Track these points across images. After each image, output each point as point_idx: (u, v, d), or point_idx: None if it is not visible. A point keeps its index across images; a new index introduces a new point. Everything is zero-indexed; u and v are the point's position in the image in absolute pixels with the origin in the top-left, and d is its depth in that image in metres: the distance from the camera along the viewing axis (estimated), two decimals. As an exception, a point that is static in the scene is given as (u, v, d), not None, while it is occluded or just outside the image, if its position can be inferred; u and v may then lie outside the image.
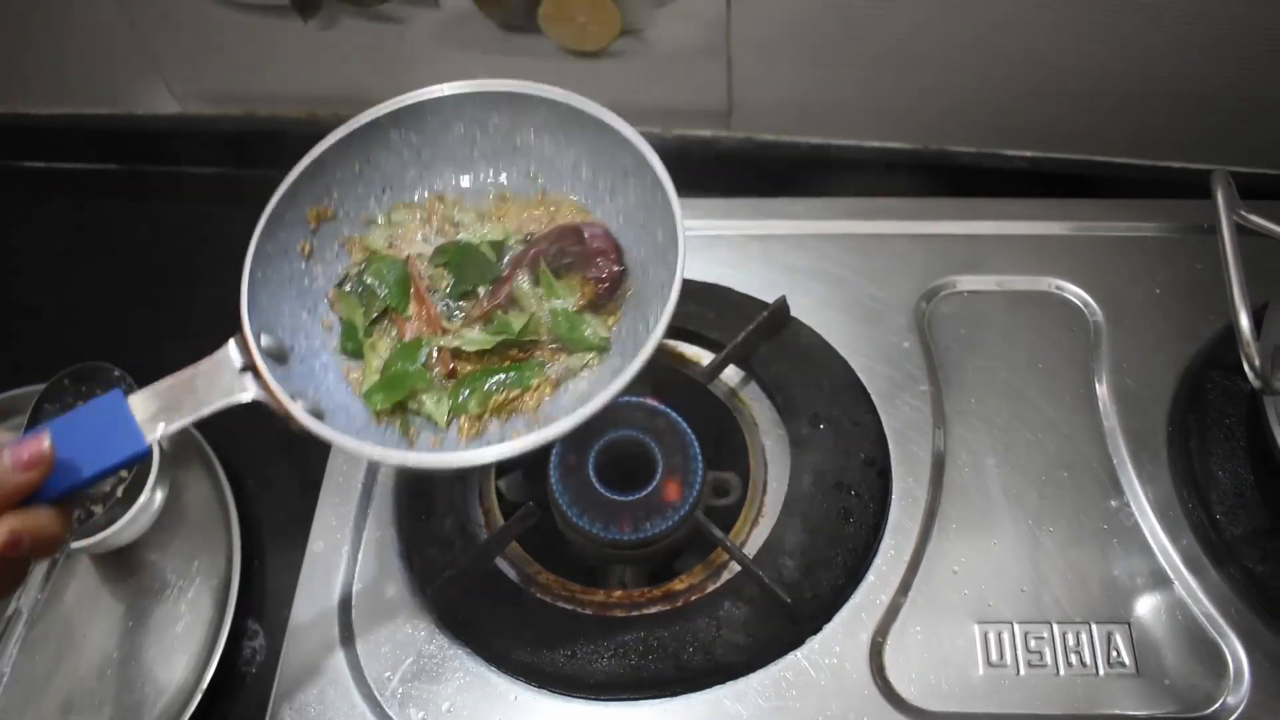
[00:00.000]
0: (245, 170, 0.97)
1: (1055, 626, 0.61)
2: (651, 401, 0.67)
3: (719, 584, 0.64)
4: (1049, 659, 0.60)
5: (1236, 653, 0.59)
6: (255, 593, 0.72)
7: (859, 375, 0.71)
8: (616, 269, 0.58)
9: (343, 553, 0.67)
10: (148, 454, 0.48)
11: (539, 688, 0.61)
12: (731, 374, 0.73)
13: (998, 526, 0.65)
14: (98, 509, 0.68)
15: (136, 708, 0.67)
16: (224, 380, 0.50)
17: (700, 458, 0.65)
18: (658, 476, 0.64)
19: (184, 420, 0.48)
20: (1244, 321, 0.59)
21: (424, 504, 0.68)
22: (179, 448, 0.76)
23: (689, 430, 0.66)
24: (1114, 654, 0.60)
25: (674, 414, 0.67)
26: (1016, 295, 0.75)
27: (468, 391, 0.56)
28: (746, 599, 0.62)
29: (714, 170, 0.90)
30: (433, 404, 0.55)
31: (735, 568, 0.64)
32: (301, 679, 0.63)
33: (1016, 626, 0.61)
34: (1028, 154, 0.86)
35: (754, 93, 0.84)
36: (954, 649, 0.61)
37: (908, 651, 0.61)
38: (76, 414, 0.48)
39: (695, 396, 0.72)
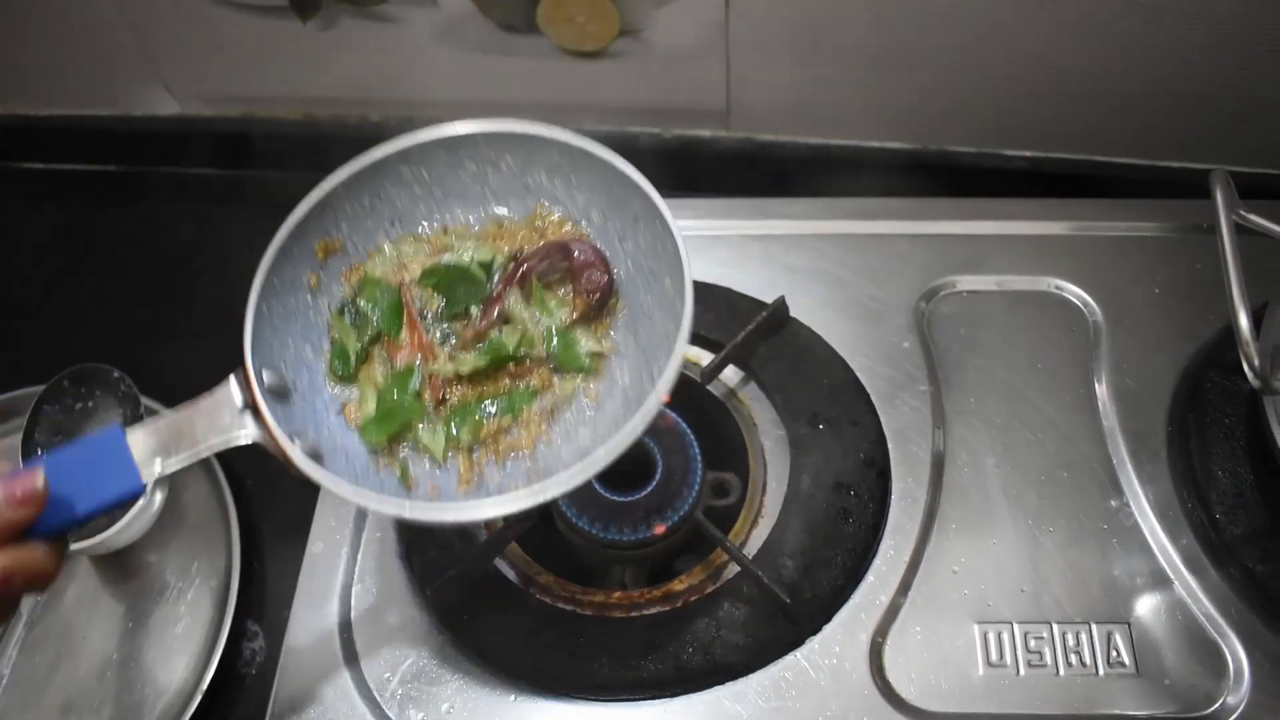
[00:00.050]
0: (244, 171, 0.97)
1: (1055, 626, 0.61)
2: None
3: (719, 584, 0.64)
4: (1049, 659, 0.60)
5: (1236, 653, 0.59)
6: (255, 594, 0.72)
7: (858, 375, 0.71)
8: (605, 279, 0.58)
9: (342, 554, 0.67)
10: (142, 492, 0.47)
11: (538, 688, 0.61)
12: (731, 374, 0.73)
13: (997, 526, 0.65)
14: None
15: (136, 709, 0.67)
16: (224, 419, 0.50)
17: (700, 458, 0.65)
18: (657, 477, 0.64)
19: (182, 460, 0.48)
20: (1243, 321, 0.59)
21: (423, 505, 0.68)
22: (178, 449, 0.76)
23: (688, 430, 0.66)
24: (1114, 654, 0.60)
25: (673, 414, 0.67)
26: (1016, 295, 0.75)
27: (458, 420, 0.55)
28: (746, 599, 0.62)
29: (713, 170, 0.90)
30: (428, 436, 0.55)
31: (735, 568, 0.64)
32: (301, 680, 0.63)
33: (1016, 626, 0.61)
34: (1027, 154, 0.86)
35: (753, 93, 0.84)
36: (954, 649, 0.61)
37: (907, 652, 0.61)
38: (74, 449, 0.48)
39: (694, 397, 0.72)
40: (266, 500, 0.77)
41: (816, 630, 0.62)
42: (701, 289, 0.75)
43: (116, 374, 0.71)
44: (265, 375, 0.53)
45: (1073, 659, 0.60)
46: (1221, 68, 0.75)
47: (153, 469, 0.47)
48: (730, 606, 0.62)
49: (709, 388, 0.72)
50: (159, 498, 0.72)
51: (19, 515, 0.43)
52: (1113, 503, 0.65)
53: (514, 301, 0.58)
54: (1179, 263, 0.75)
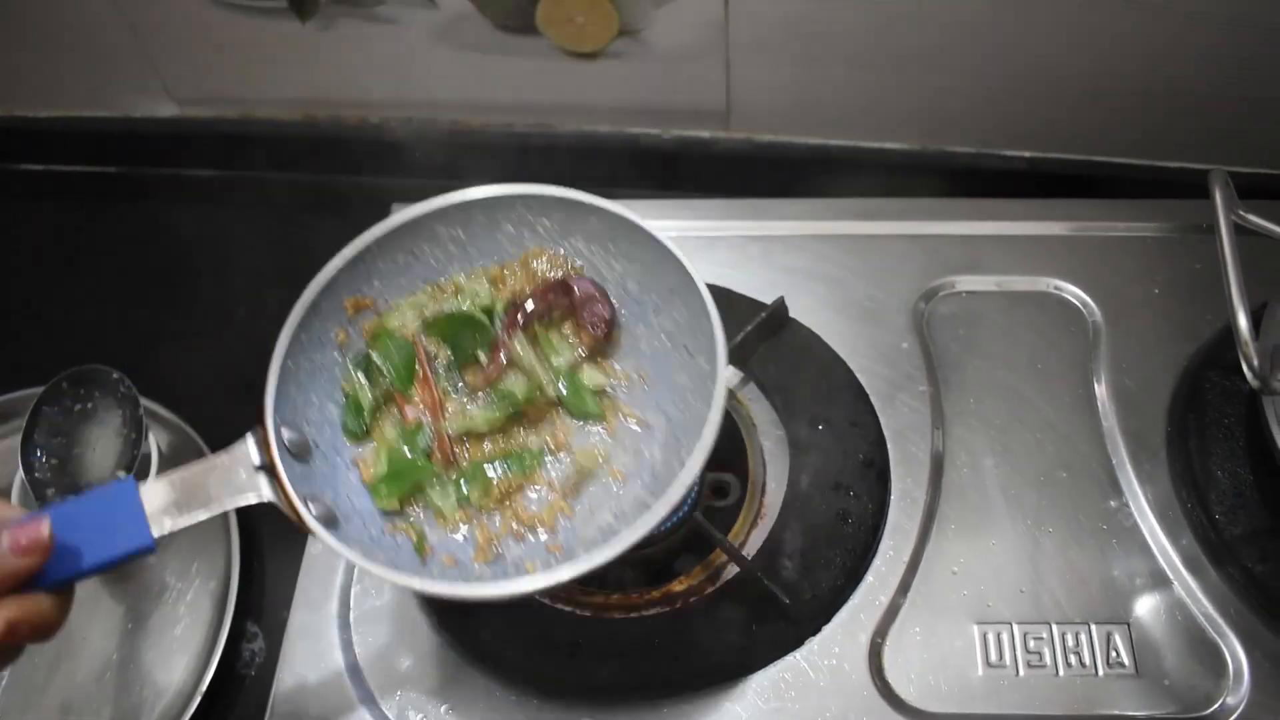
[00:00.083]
0: (243, 172, 0.97)
1: (1054, 627, 0.61)
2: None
3: (718, 585, 0.64)
4: (1048, 659, 0.60)
5: (1236, 653, 0.59)
6: (254, 595, 0.72)
7: (857, 376, 0.71)
8: (608, 311, 0.58)
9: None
10: (153, 550, 0.47)
11: (538, 689, 0.61)
12: (730, 375, 0.73)
13: (997, 527, 0.65)
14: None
15: (135, 710, 0.67)
16: (239, 478, 0.50)
17: (699, 459, 0.65)
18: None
19: (194, 517, 0.48)
20: (1242, 321, 0.59)
21: (423, 506, 0.68)
22: (178, 450, 0.76)
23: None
24: (1113, 654, 0.60)
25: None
26: (1015, 295, 0.75)
27: (468, 479, 0.55)
28: (745, 600, 0.62)
29: (712, 171, 0.90)
30: (438, 496, 0.55)
31: (734, 569, 0.64)
32: (300, 681, 0.63)
33: (1015, 627, 0.61)
34: (1026, 154, 0.86)
35: (752, 93, 0.84)
36: (953, 650, 0.61)
37: (907, 652, 0.61)
38: (85, 499, 0.47)
39: (694, 397, 0.72)
40: (266, 501, 0.77)
41: (816, 631, 0.62)
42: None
43: (116, 375, 0.71)
44: (285, 433, 0.52)
45: (1072, 659, 0.60)
46: (1221, 68, 0.75)
47: (163, 526, 0.47)
48: (729, 607, 0.62)
49: (708, 388, 0.72)
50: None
51: (23, 564, 0.43)
52: (1112, 503, 0.65)
53: (519, 346, 0.58)
54: (1178, 263, 0.75)
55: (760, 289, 0.75)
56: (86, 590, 0.72)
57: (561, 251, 0.60)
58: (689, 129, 0.89)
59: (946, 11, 0.75)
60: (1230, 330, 0.59)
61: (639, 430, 0.57)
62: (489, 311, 0.59)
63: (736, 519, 0.67)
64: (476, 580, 0.53)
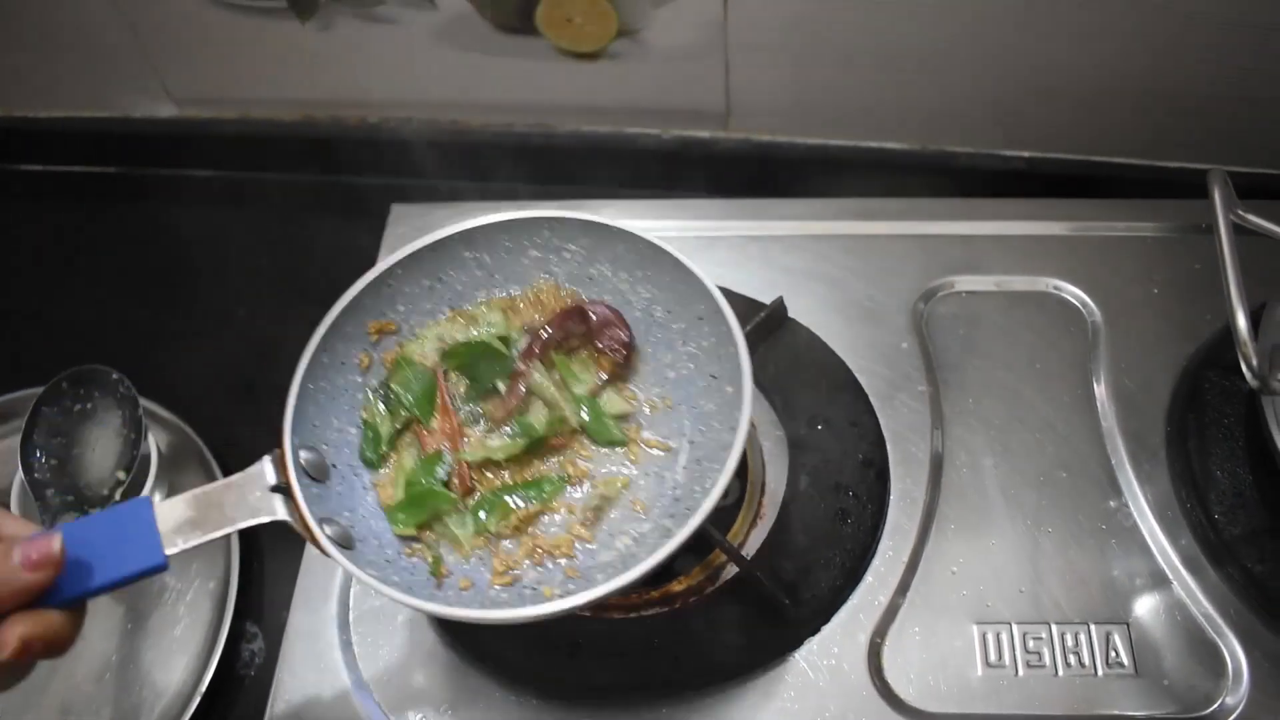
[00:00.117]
0: (243, 173, 0.97)
1: (1054, 627, 0.61)
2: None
3: (717, 585, 0.64)
4: (1047, 659, 0.60)
5: (1235, 653, 0.59)
6: (254, 595, 0.72)
7: (857, 376, 0.71)
8: (626, 336, 0.58)
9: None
10: (165, 569, 0.47)
11: (537, 689, 0.61)
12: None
13: (996, 527, 0.65)
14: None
15: (135, 710, 0.67)
16: (253, 498, 0.50)
17: (698, 459, 0.65)
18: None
19: (207, 536, 0.48)
20: (1241, 321, 0.59)
21: (422, 506, 0.67)
22: (177, 451, 0.76)
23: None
24: (1113, 654, 0.60)
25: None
26: (1015, 295, 0.75)
27: (487, 509, 0.55)
28: (745, 600, 0.62)
29: (711, 171, 0.90)
30: (457, 527, 0.55)
31: (733, 569, 0.64)
32: (300, 682, 0.63)
33: (1015, 627, 0.61)
34: (1026, 154, 0.86)
35: (751, 93, 0.84)
36: (952, 650, 0.61)
37: (906, 652, 0.61)
38: (99, 517, 0.47)
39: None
40: (265, 502, 0.77)
41: (815, 631, 0.61)
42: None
43: (115, 375, 0.71)
44: (303, 454, 0.53)
45: (1071, 659, 0.60)
46: (1221, 68, 0.75)
47: (176, 545, 0.47)
48: (729, 607, 0.62)
49: (707, 388, 0.72)
50: (158, 498, 0.71)
51: (34, 579, 0.43)
52: (1111, 503, 0.65)
53: (538, 377, 0.58)
54: (1178, 263, 0.75)
55: (759, 289, 0.75)
56: (86, 590, 0.72)
57: (570, 288, 0.61)
58: (688, 129, 0.89)
59: (946, 12, 0.75)
60: (1230, 330, 0.59)
61: (661, 455, 0.57)
62: (506, 340, 0.59)
63: (736, 519, 0.67)
64: (493, 605, 0.52)
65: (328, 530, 0.50)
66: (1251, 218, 0.64)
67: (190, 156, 0.97)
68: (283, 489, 0.51)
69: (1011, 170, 0.86)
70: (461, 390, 0.59)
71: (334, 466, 0.55)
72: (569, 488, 0.57)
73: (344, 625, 0.65)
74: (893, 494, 0.66)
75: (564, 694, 0.61)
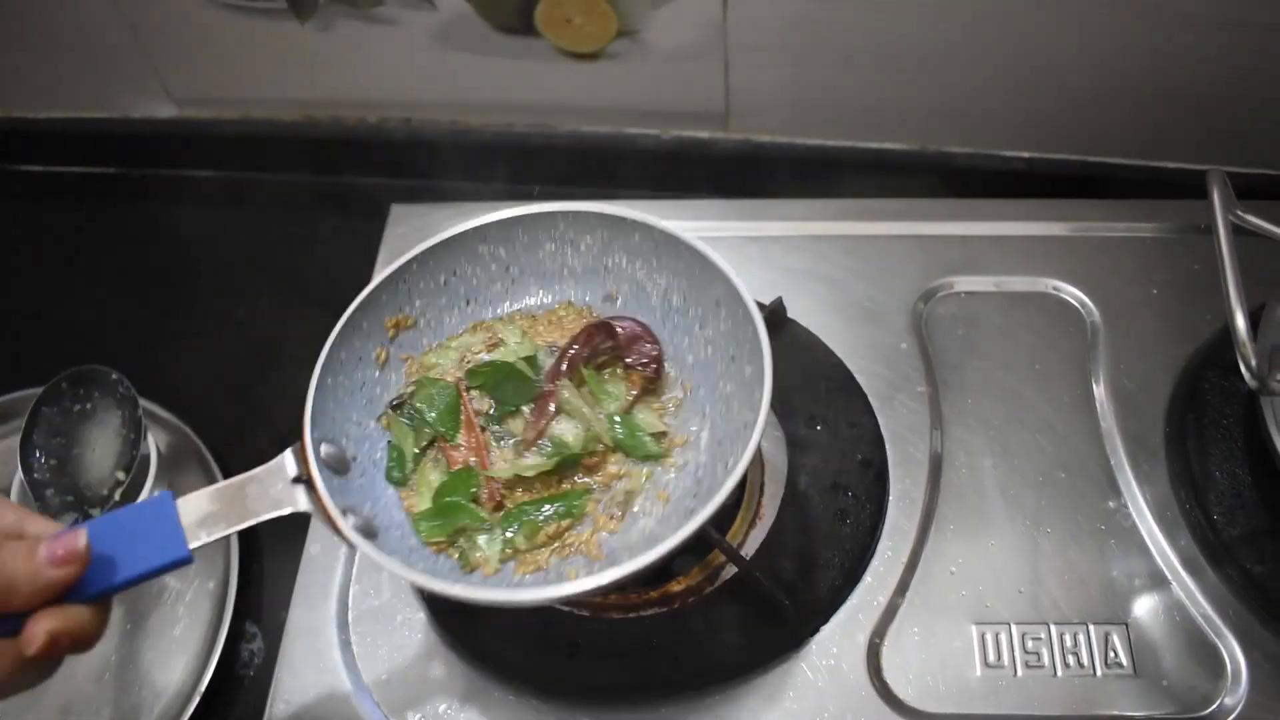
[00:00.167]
0: (242, 173, 0.97)
1: (1053, 627, 0.61)
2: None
3: (716, 585, 0.64)
4: (1046, 660, 0.60)
5: (1234, 653, 0.59)
6: (253, 595, 0.72)
7: (856, 376, 0.71)
8: (656, 350, 0.58)
9: (340, 555, 0.67)
10: (190, 562, 0.47)
11: (536, 689, 0.61)
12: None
13: (995, 527, 0.65)
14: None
15: (134, 710, 0.67)
16: (275, 491, 0.50)
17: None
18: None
19: (230, 529, 0.48)
20: (1240, 321, 0.59)
21: (421, 506, 0.68)
22: (176, 451, 0.76)
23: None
24: (1111, 655, 0.60)
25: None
26: (1014, 296, 0.75)
27: (516, 526, 0.55)
28: (744, 600, 0.62)
29: (711, 172, 0.90)
30: (486, 545, 0.55)
31: (732, 569, 0.64)
32: (299, 681, 0.63)
33: (1014, 627, 0.61)
34: (1025, 155, 0.86)
35: (751, 94, 0.85)
36: (951, 650, 0.61)
37: (905, 653, 0.61)
38: (123, 513, 0.48)
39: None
40: (265, 502, 0.77)
41: (814, 631, 0.62)
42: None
43: (115, 376, 0.71)
44: (324, 448, 0.53)
45: (1070, 660, 0.60)
46: (1220, 68, 0.75)
47: (199, 538, 0.47)
48: (728, 608, 0.62)
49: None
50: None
51: (60, 575, 0.43)
52: (1110, 504, 0.65)
53: (568, 394, 0.57)
54: (1177, 263, 0.75)
55: (759, 289, 0.74)
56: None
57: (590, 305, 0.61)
58: (688, 130, 0.89)
59: (946, 12, 0.75)
60: (1229, 331, 0.59)
61: (684, 444, 0.58)
62: (531, 360, 0.59)
63: (735, 519, 0.67)
64: (519, 586, 0.53)
65: (351, 520, 0.51)
66: (1250, 218, 0.64)
67: (190, 156, 0.97)
68: (304, 481, 0.51)
69: (1011, 170, 0.86)
70: (486, 408, 0.59)
71: (354, 460, 0.56)
72: (597, 492, 0.57)
73: (343, 625, 0.65)
74: (892, 494, 0.66)
75: (563, 694, 0.61)
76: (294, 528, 0.69)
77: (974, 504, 0.66)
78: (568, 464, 0.56)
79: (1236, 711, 0.57)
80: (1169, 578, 0.62)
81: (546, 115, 0.90)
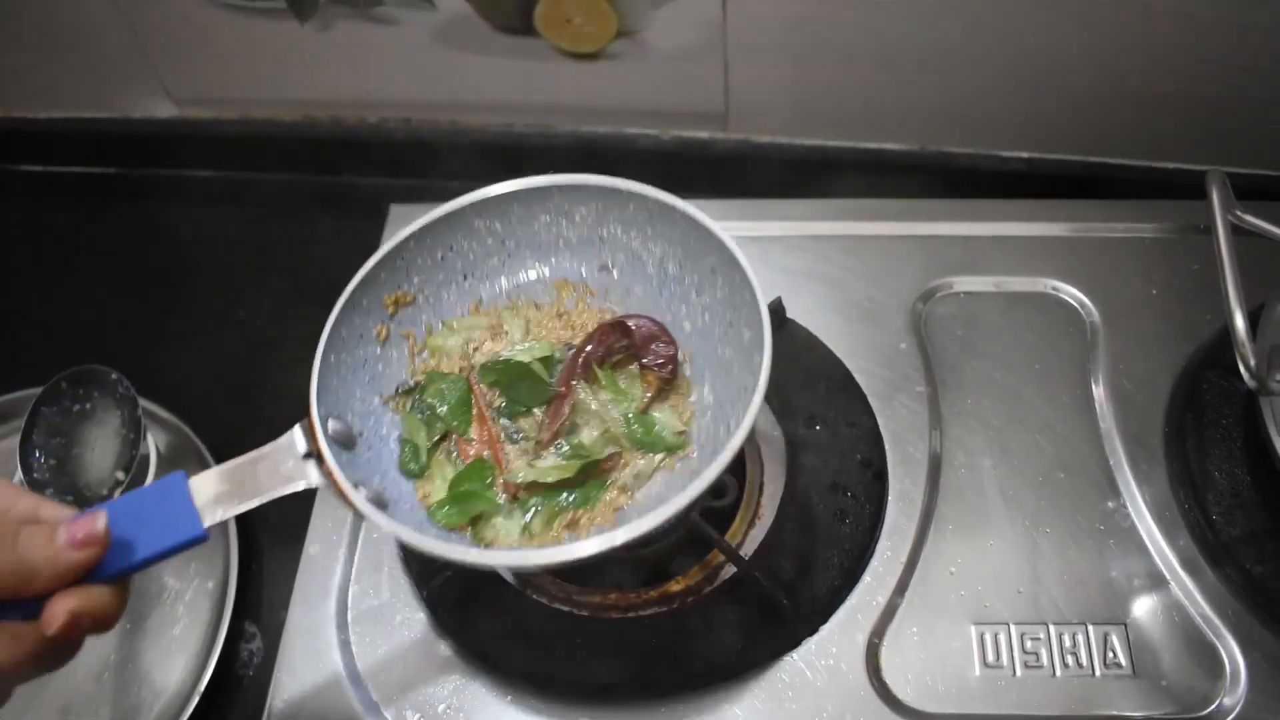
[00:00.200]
0: (242, 173, 0.97)
1: (1052, 627, 0.61)
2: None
3: (715, 585, 0.64)
4: (1045, 660, 0.60)
5: (1233, 654, 0.59)
6: (252, 595, 0.72)
7: (855, 376, 0.71)
8: (672, 349, 0.58)
9: (339, 555, 0.67)
10: (205, 539, 0.48)
11: (535, 689, 0.61)
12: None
13: (994, 527, 0.65)
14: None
15: (134, 710, 0.67)
16: (286, 467, 0.50)
17: (697, 459, 0.65)
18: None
19: (244, 505, 0.48)
20: (1239, 322, 0.59)
21: (421, 506, 0.68)
22: (176, 451, 0.76)
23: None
24: (1110, 655, 0.60)
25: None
26: (1013, 296, 0.75)
27: (533, 512, 0.55)
28: (743, 600, 0.62)
29: (710, 172, 0.90)
30: (504, 526, 0.55)
31: (732, 569, 0.64)
32: (298, 681, 0.63)
33: (1013, 627, 0.61)
34: (1024, 155, 0.86)
35: (750, 94, 0.85)
36: (950, 650, 0.61)
37: (904, 653, 0.61)
38: (137, 494, 0.48)
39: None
40: (264, 501, 0.77)
41: (813, 631, 0.62)
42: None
43: (114, 375, 0.71)
44: (330, 424, 0.53)
45: (1069, 660, 0.60)
46: (1220, 68, 0.75)
47: (214, 516, 0.48)
48: (727, 607, 0.62)
49: (706, 389, 0.72)
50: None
51: (81, 557, 0.44)
52: (1110, 504, 0.65)
53: (585, 396, 0.57)
54: (1176, 263, 0.75)
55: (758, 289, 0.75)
56: (85, 590, 0.72)
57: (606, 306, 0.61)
58: (687, 130, 0.89)
59: (946, 12, 0.75)
60: (1228, 331, 0.59)
61: (690, 413, 0.58)
62: (547, 361, 0.59)
63: (734, 519, 0.67)
64: (531, 549, 0.53)
65: (362, 492, 0.51)
66: (1250, 218, 0.64)
67: (190, 156, 0.97)
68: (314, 456, 0.51)
69: (1011, 171, 0.86)
70: (497, 402, 0.59)
71: (360, 435, 0.56)
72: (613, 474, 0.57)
73: (342, 624, 0.65)
74: (891, 494, 0.66)
75: (563, 694, 0.61)
76: (294, 527, 0.69)
77: (973, 504, 0.66)
78: (589, 468, 0.56)
79: (1236, 711, 0.57)
80: (1168, 578, 0.62)
81: (546, 115, 0.90)
